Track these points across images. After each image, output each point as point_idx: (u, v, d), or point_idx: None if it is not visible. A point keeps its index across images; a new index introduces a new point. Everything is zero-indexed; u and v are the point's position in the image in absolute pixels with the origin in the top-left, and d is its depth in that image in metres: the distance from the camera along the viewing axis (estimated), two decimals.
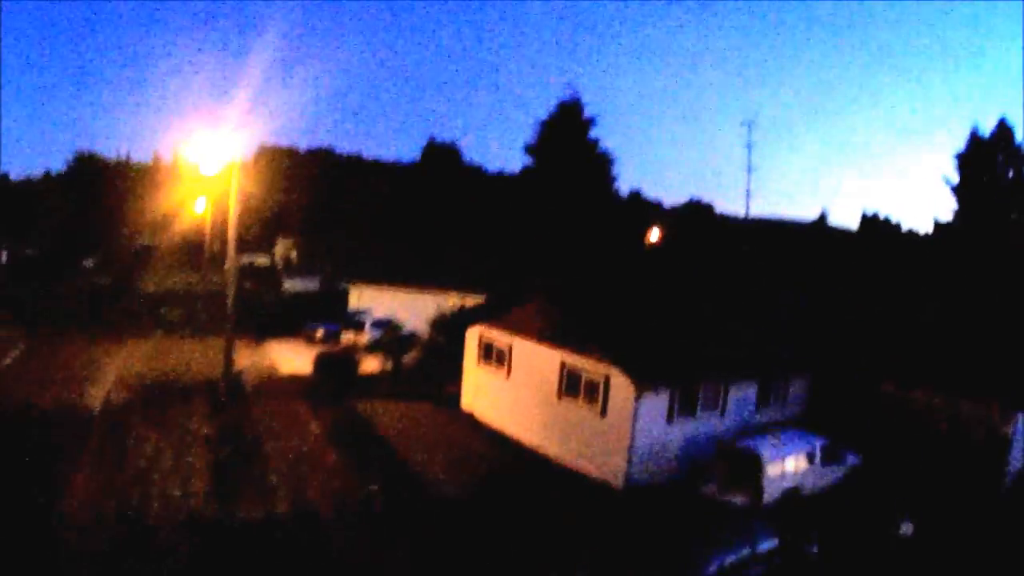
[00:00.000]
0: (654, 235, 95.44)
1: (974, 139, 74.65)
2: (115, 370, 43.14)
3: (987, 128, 74.78)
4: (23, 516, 23.43)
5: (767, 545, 21.50)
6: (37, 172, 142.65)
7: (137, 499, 25.36)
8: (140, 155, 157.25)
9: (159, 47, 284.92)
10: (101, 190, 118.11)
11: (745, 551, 20.90)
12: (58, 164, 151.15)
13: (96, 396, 37.66)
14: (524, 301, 36.27)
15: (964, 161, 74.79)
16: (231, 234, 38.36)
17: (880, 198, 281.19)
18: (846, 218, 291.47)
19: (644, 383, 29.35)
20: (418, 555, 23.22)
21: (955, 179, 75.49)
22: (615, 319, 34.37)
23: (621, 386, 29.69)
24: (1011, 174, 73.12)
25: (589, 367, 31.19)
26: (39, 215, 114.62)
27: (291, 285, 80.00)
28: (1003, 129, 73.59)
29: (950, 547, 25.11)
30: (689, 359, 32.52)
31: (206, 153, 36.85)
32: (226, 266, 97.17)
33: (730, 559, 20.53)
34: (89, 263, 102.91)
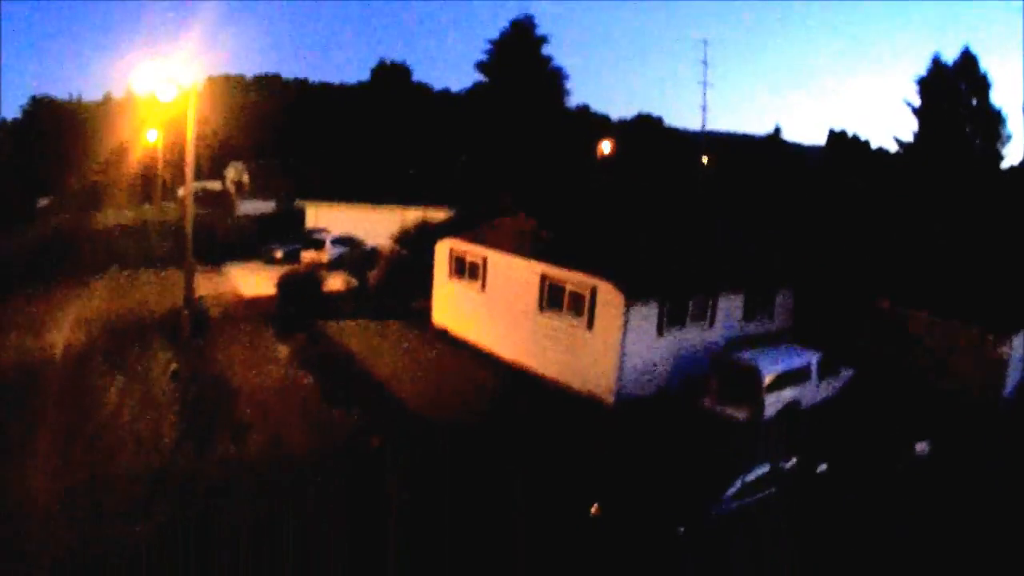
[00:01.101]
0: (606, 147, 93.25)
1: (936, 65, 73.81)
2: (74, 312, 38.75)
3: (948, 55, 74.83)
4: None
5: (780, 464, 19.62)
6: None
7: (106, 448, 22.25)
8: (91, 94, 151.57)
9: None
10: (56, 132, 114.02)
11: (762, 470, 18.94)
12: (11, 111, 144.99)
13: (55, 341, 33.48)
14: (495, 215, 33.76)
15: (926, 86, 74.04)
16: (188, 159, 34.76)
17: (835, 116, 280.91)
18: (801, 135, 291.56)
19: (634, 294, 27.05)
20: (414, 487, 20.73)
21: (916, 102, 74.75)
22: (594, 232, 32.02)
23: (609, 298, 27.34)
24: (975, 102, 72.44)
25: (573, 279, 28.78)
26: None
27: (246, 208, 76.38)
28: (967, 58, 73.09)
29: (968, 466, 23.05)
30: (676, 270, 30.20)
31: (160, 81, 33.37)
32: (182, 192, 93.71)
33: (750, 477, 18.86)
34: (44, 202, 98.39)
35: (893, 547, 18.55)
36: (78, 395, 26.62)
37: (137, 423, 24.15)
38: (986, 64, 77.58)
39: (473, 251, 34.24)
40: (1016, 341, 27.50)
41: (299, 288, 39.66)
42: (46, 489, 19.68)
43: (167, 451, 22.26)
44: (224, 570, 16.48)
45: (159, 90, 33.71)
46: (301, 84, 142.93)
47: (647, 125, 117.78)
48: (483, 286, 33.68)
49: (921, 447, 23.13)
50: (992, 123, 73.05)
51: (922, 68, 75.15)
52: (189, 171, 35.33)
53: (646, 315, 27.64)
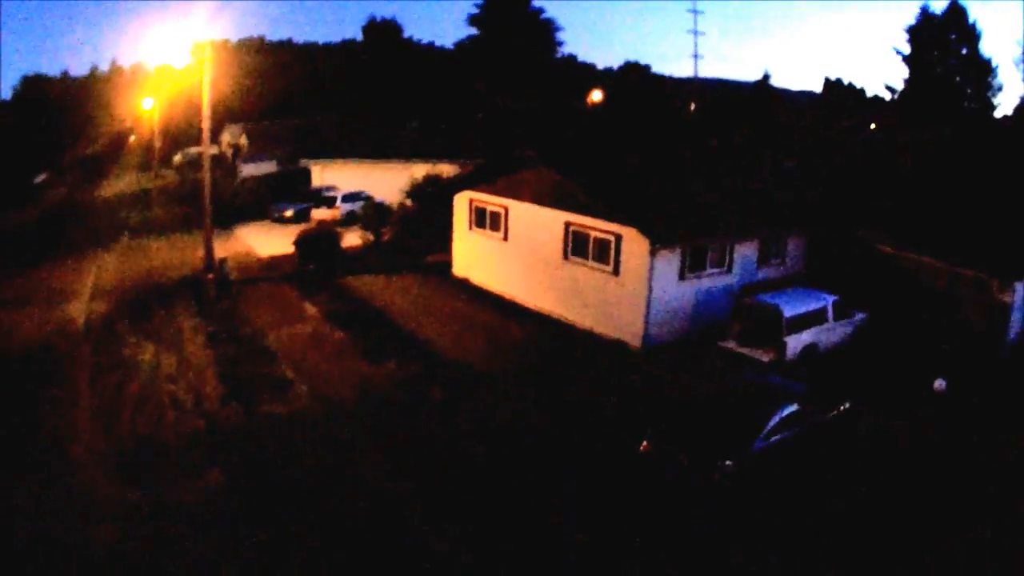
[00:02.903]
0: (597, 96, 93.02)
1: (925, 15, 74.00)
2: (90, 283, 38.55)
3: (936, 6, 75.39)
4: (30, 457, 20.01)
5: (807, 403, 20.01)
6: None
7: (150, 413, 22.38)
8: (77, 68, 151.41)
9: None
10: (48, 108, 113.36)
11: (793, 407, 19.32)
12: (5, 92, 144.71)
13: (77, 311, 33.35)
14: (513, 167, 33.76)
15: (915, 35, 74.19)
16: (205, 125, 34.51)
17: (825, 62, 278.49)
18: (789, 81, 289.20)
19: (659, 240, 27.22)
20: (466, 430, 21.43)
21: (906, 50, 75.03)
22: (615, 180, 32.09)
23: (634, 244, 27.60)
24: (964, 51, 72.73)
25: (598, 226, 29.01)
26: None
27: (248, 170, 75.87)
28: (955, 8, 73.29)
29: (982, 402, 23.62)
30: (696, 216, 30.37)
31: (154, 49, 33.42)
32: (178, 158, 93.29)
33: (784, 413, 19.03)
34: (41, 178, 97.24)
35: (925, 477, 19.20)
36: (113, 363, 26.63)
37: (178, 387, 24.30)
38: (978, 14, 78.97)
39: (494, 202, 34.35)
40: (1019, 287, 27.65)
41: (317, 246, 39.61)
42: (96, 457, 19.88)
43: (213, 412, 22.41)
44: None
45: (166, 59, 33.73)
46: (287, 45, 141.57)
47: (635, 73, 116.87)
48: (505, 236, 33.89)
49: (939, 384, 23.68)
50: (982, 73, 73.44)
51: (910, 16, 75.72)
52: (205, 135, 35.28)
53: (670, 260, 27.85)
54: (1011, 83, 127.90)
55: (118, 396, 23.60)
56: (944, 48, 73.76)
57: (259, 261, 42.19)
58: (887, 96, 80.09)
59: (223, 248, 41.47)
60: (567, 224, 30.41)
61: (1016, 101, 75.16)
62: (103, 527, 16.58)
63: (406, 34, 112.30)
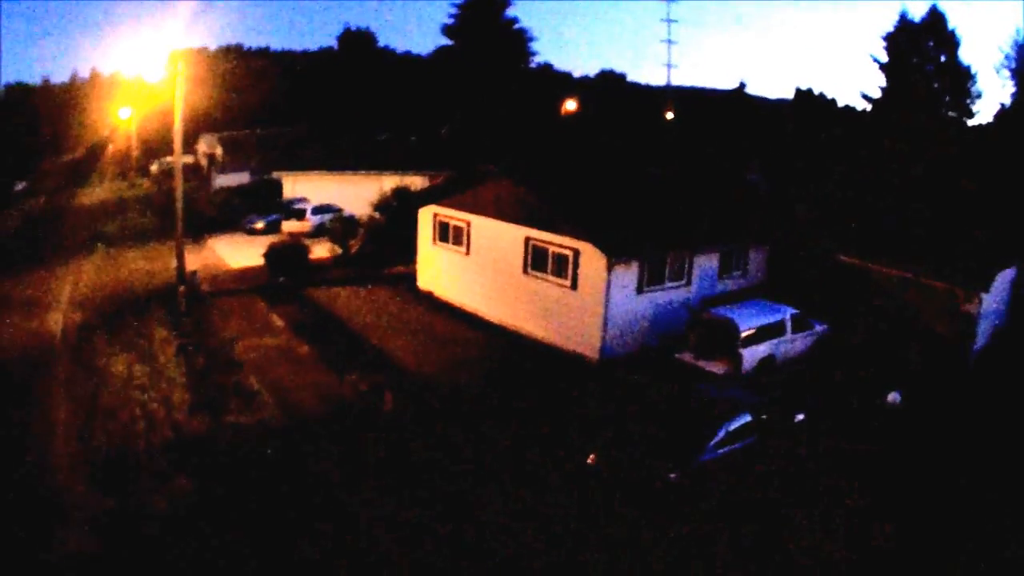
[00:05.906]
0: (571, 105, 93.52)
1: (903, 22, 74.29)
2: (66, 292, 39.10)
3: (914, 12, 75.17)
4: (7, 464, 20.68)
5: (759, 415, 20.70)
6: None
7: (122, 423, 23.05)
8: (58, 75, 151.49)
9: None
10: (28, 116, 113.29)
11: (745, 419, 20.05)
12: None
13: (53, 321, 34.00)
14: (477, 181, 34.46)
15: (893, 42, 74.38)
16: (177, 138, 35.10)
17: (801, 71, 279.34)
18: (765, 89, 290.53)
19: (616, 254, 28.08)
20: (419, 444, 22.09)
21: (883, 57, 75.24)
22: (575, 194, 32.85)
23: (592, 259, 28.40)
24: (943, 58, 73.01)
25: (557, 242, 29.80)
26: None
27: (221, 181, 76.31)
28: (934, 15, 73.37)
29: (939, 416, 24.30)
30: (655, 230, 31.23)
31: (131, 58, 33.91)
32: (155, 168, 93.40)
33: (733, 426, 19.80)
34: (20, 186, 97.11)
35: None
36: (86, 373, 27.32)
37: (148, 397, 24.95)
38: (960, 22, 79.04)
39: (457, 216, 35.09)
40: (985, 296, 28.36)
41: (286, 258, 40.42)
42: (70, 465, 20.61)
43: (182, 422, 23.10)
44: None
45: (143, 70, 34.14)
46: (264, 53, 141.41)
47: (611, 82, 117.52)
48: (468, 250, 34.66)
49: (892, 397, 24.33)
50: (961, 80, 73.64)
51: (888, 23, 75.77)
52: (177, 145, 35.64)
53: (627, 274, 28.65)
54: (991, 91, 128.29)
55: (92, 405, 24.33)
56: (922, 55, 73.95)
57: (230, 273, 42.75)
58: (863, 105, 79.96)
59: (195, 260, 42.18)
60: (527, 239, 31.19)
61: (996, 108, 74.53)
62: (80, 532, 17.45)
63: (382, 43, 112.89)
